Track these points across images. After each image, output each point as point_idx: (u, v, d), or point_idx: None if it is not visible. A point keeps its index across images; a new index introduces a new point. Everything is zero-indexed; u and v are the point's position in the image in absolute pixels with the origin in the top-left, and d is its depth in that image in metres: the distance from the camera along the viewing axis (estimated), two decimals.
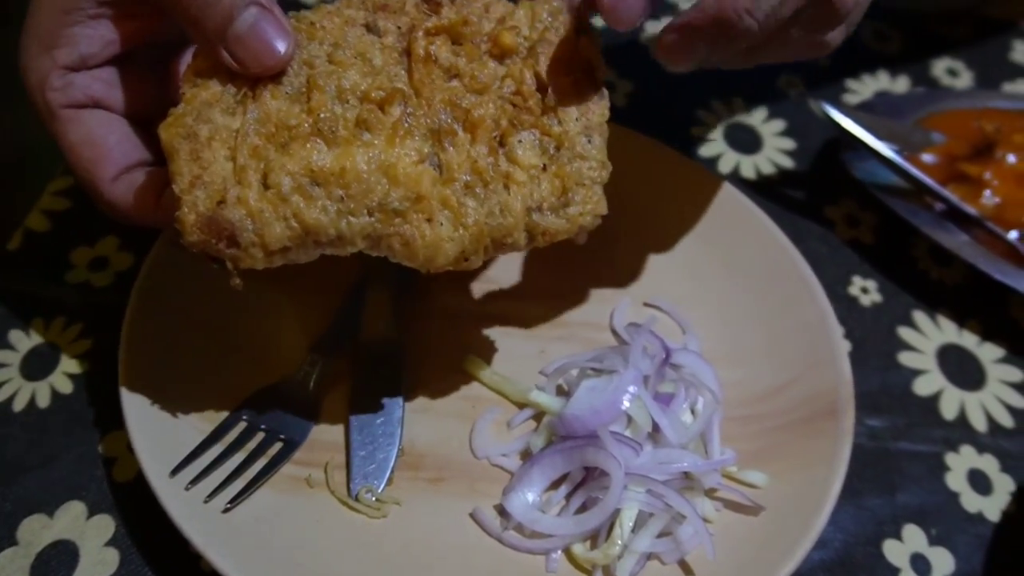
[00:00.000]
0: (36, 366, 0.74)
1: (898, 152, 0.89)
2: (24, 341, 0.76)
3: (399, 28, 0.60)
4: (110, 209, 0.63)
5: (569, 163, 0.59)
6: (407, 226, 0.56)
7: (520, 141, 0.59)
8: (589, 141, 0.60)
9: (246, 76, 0.56)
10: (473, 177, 0.58)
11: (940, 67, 1.16)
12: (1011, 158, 0.93)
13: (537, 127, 0.59)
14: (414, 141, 0.57)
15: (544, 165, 0.59)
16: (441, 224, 0.56)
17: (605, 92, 0.62)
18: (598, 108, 0.61)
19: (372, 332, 0.76)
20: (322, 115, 0.56)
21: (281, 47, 0.56)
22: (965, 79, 1.15)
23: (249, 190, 0.54)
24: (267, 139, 0.55)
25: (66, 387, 0.74)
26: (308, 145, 0.55)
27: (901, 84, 1.13)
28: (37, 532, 0.66)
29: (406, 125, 0.57)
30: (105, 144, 0.62)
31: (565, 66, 0.61)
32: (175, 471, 0.63)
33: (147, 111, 0.64)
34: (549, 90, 0.60)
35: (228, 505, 0.63)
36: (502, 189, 0.58)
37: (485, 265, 0.77)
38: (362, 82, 0.58)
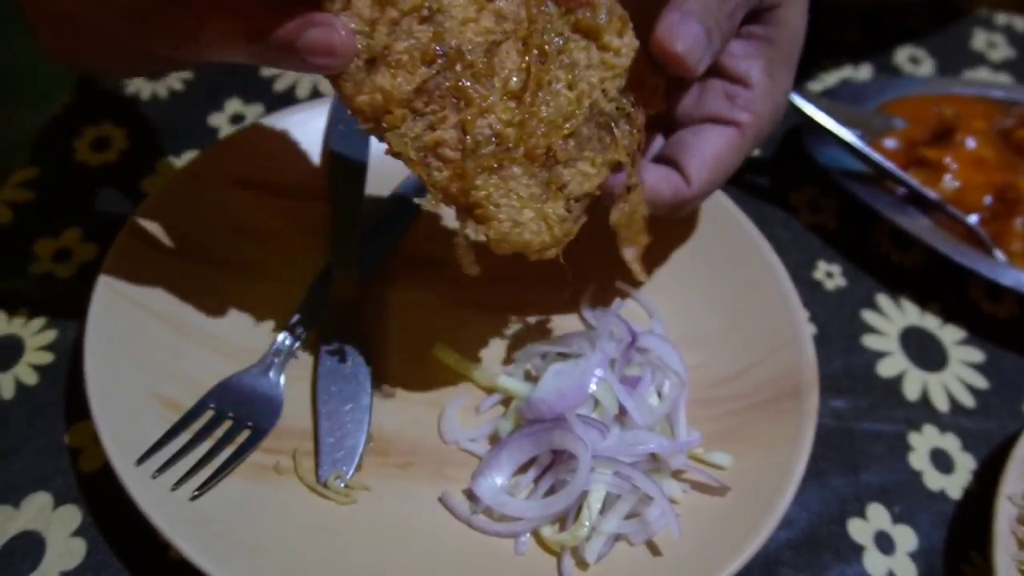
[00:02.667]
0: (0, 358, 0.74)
1: (860, 137, 0.91)
2: None
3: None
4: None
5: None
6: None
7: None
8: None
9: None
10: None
11: (902, 55, 1.18)
12: (970, 143, 0.94)
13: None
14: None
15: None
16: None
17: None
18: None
19: (338, 320, 0.76)
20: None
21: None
22: (927, 66, 1.17)
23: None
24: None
25: (30, 379, 0.73)
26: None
27: (864, 72, 1.15)
28: (2, 524, 0.65)
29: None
30: None
31: None
32: (141, 460, 0.63)
33: None
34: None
35: (195, 493, 0.63)
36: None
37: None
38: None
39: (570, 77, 0.60)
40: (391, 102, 0.56)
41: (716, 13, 0.62)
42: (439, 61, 0.56)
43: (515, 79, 0.59)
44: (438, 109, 0.57)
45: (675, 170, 0.68)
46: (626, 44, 0.63)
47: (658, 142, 0.73)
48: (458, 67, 0.57)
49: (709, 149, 0.68)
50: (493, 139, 0.58)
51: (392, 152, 0.58)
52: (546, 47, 0.59)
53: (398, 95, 0.56)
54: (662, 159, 0.71)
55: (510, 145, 0.58)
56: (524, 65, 0.59)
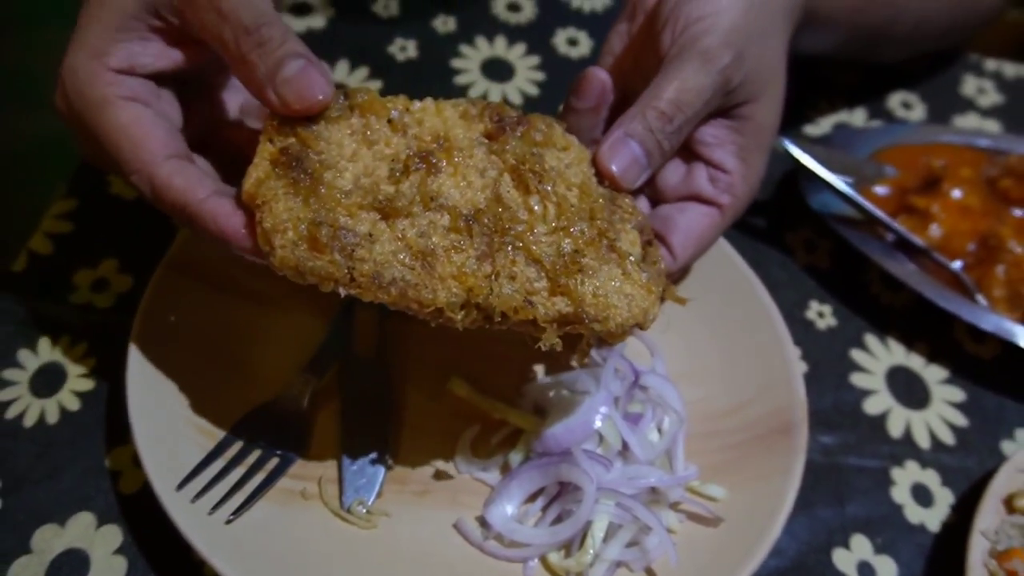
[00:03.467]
0: (44, 384, 0.79)
1: (851, 184, 0.96)
2: (32, 360, 0.80)
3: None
4: (156, 191, 0.62)
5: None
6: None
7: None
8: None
9: (292, 116, 0.62)
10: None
11: (895, 100, 1.23)
12: (956, 193, 0.99)
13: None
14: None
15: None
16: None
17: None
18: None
19: (360, 353, 0.81)
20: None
21: (320, 94, 0.61)
22: (918, 111, 1.22)
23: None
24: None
25: (73, 404, 0.78)
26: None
27: (858, 115, 1.20)
28: (49, 541, 0.70)
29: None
30: (156, 128, 0.63)
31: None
32: (181, 485, 0.68)
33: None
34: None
35: (231, 517, 0.68)
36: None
37: None
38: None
39: (564, 179, 0.66)
40: (464, 278, 0.60)
41: (659, 133, 0.69)
42: (475, 228, 0.61)
43: (536, 207, 0.64)
44: (506, 262, 0.61)
45: (661, 244, 0.74)
46: (570, 137, 0.70)
47: (642, 203, 0.79)
48: (487, 222, 0.62)
49: (694, 228, 0.74)
50: (564, 251, 0.62)
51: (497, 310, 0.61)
52: (535, 167, 0.65)
53: (469, 272, 0.60)
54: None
55: (576, 248, 0.63)
56: (532, 190, 0.64)
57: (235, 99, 0.76)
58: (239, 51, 0.61)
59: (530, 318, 0.60)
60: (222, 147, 0.73)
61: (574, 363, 0.80)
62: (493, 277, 0.60)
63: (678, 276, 0.76)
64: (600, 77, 0.74)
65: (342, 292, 0.59)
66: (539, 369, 0.84)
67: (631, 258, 0.64)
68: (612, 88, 0.75)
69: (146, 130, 0.62)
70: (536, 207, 0.64)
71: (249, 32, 0.60)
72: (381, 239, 0.59)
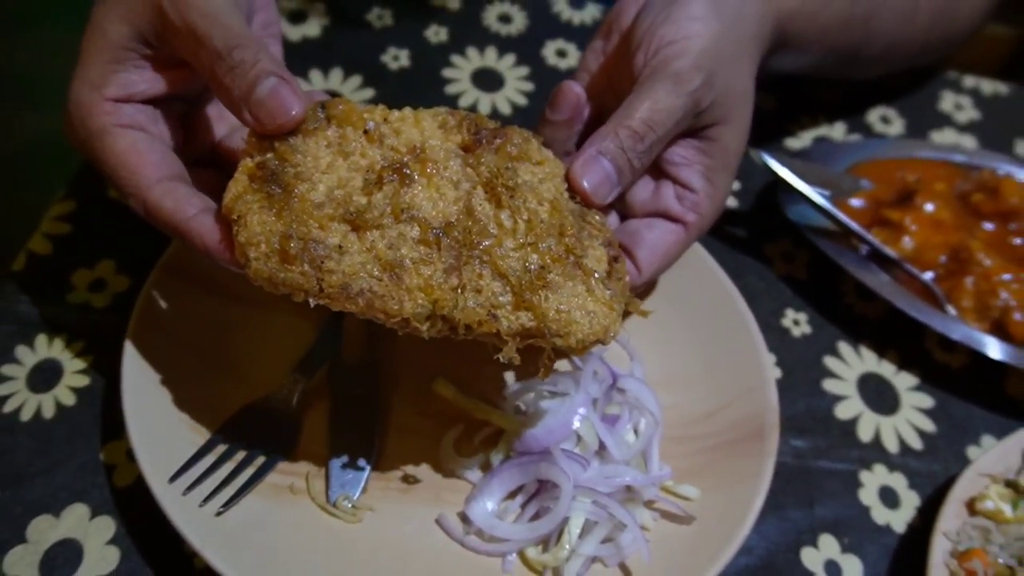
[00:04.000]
0: (41, 380, 0.82)
1: (828, 197, 0.99)
2: (30, 356, 0.83)
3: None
4: (149, 212, 0.67)
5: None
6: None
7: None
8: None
9: (268, 134, 0.65)
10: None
11: (874, 115, 1.26)
12: (929, 207, 1.02)
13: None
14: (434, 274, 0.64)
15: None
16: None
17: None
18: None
19: (349, 354, 0.84)
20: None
21: (293, 110, 0.64)
22: (897, 126, 1.26)
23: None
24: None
25: (69, 400, 0.81)
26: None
27: (838, 130, 1.23)
28: (44, 532, 0.73)
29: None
30: (150, 153, 0.68)
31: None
32: (173, 478, 0.71)
33: (178, 149, 0.72)
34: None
35: (221, 509, 0.71)
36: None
37: None
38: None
39: (536, 194, 0.68)
40: (430, 290, 0.63)
41: (630, 152, 0.72)
42: (445, 241, 0.64)
43: (507, 221, 0.67)
44: (473, 275, 0.64)
45: (628, 258, 0.76)
46: (545, 152, 0.72)
47: (612, 219, 0.82)
48: (457, 235, 0.65)
49: (660, 244, 0.77)
50: (531, 267, 0.65)
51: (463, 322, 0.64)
52: (508, 182, 0.68)
53: (435, 284, 0.63)
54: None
55: (543, 264, 0.65)
56: (504, 205, 0.67)
57: (228, 119, 0.79)
58: (215, 74, 0.64)
59: (493, 331, 0.63)
60: (225, 160, 0.76)
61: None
62: (459, 290, 0.63)
63: (642, 289, 0.79)
64: (575, 91, 0.77)
65: (311, 303, 0.62)
66: (521, 372, 0.86)
67: (596, 275, 0.67)
68: (586, 102, 0.79)
69: (140, 156, 0.67)
70: (507, 222, 0.66)
71: (222, 56, 0.64)
72: (351, 251, 0.62)
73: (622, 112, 0.73)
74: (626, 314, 0.69)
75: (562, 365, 0.87)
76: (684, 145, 0.78)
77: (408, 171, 0.66)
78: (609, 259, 0.69)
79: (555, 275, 0.65)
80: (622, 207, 0.82)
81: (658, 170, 0.79)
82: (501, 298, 0.64)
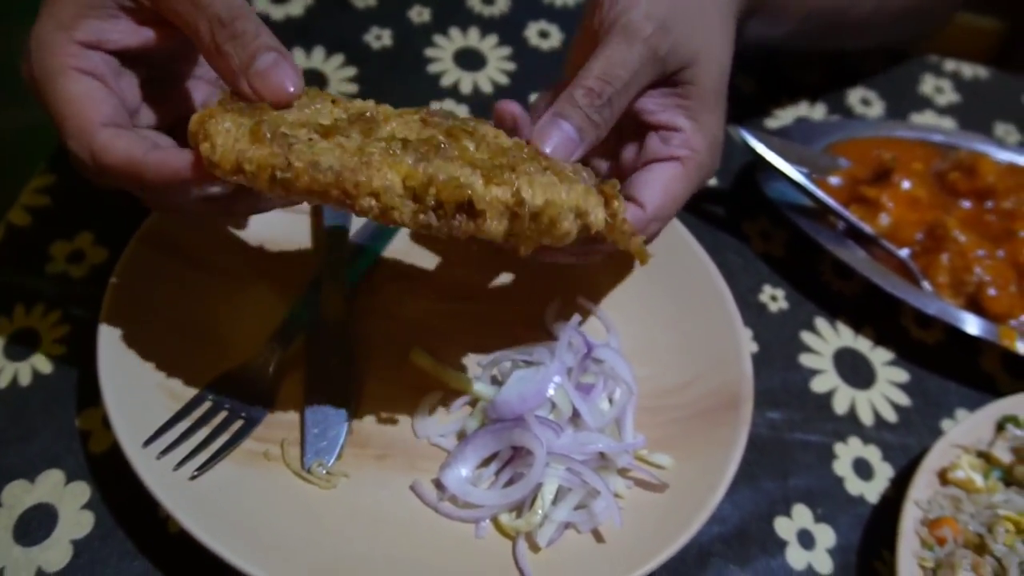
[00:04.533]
0: (18, 348, 0.82)
1: (806, 175, 0.99)
2: (7, 325, 0.83)
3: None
4: (96, 156, 0.63)
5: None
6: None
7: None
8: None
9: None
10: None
11: (855, 96, 1.27)
12: (906, 184, 1.03)
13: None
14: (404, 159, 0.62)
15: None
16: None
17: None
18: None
19: (326, 325, 0.84)
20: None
21: (291, 87, 0.64)
22: (877, 108, 1.26)
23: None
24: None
25: (46, 368, 0.81)
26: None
27: (819, 111, 1.24)
28: (19, 496, 0.73)
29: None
30: (104, 104, 0.65)
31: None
32: (147, 443, 0.71)
33: (132, 114, 0.70)
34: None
35: (195, 473, 0.71)
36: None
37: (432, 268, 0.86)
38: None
39: (499, 134, 0.69)
40: (399, 167, 0.61)
41: (588, 109, 0.71)
42: (410, 147, 0.63)
43: (470, 145, 0.66)
44: (441, 164, 0.62)
45: (630, 204, 0.76)
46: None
47: None
48: (424, 149, 0.63)
49: (657, 179, 0.76)
50: (500, 163, 0.64)
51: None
52: (469, 127, 0.68)
53: (406, 166, 0.62)
54: None
55: (513, 167, 0.63)
56: (465, 137, 0.67)
57: (202, 90, 0.78)
58: (214, 42, 0.63)
59: (466, 198, 0.60)
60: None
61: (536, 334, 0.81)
62: (429, 171, 0.61)
63: (651, 229, 0.76)
64: (509, 109, 0.74)
65: (278, 176, 0.60)
66: (497, 344, 0.87)
67: (568, 169, 0.67)
68: (527, 117, 0.76)
69: (93, 102, 0.64)
70: (470, 145, 0.66)
71: (224, 24, 0.63)
72: (319, 144, 0.61)
73: (580, 74, 0.73)
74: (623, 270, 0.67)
75: (537, 337, 0.88)
76: (657, 94, 0.78)
77: (373, 118, 0.66)
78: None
79: (525, 168, 0.64)
80: (618, 170, 0.82)
81: (640, 127, 0.79)
82: (472, 178, 0.61)
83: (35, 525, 0.72)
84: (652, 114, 0.78)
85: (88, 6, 0.65)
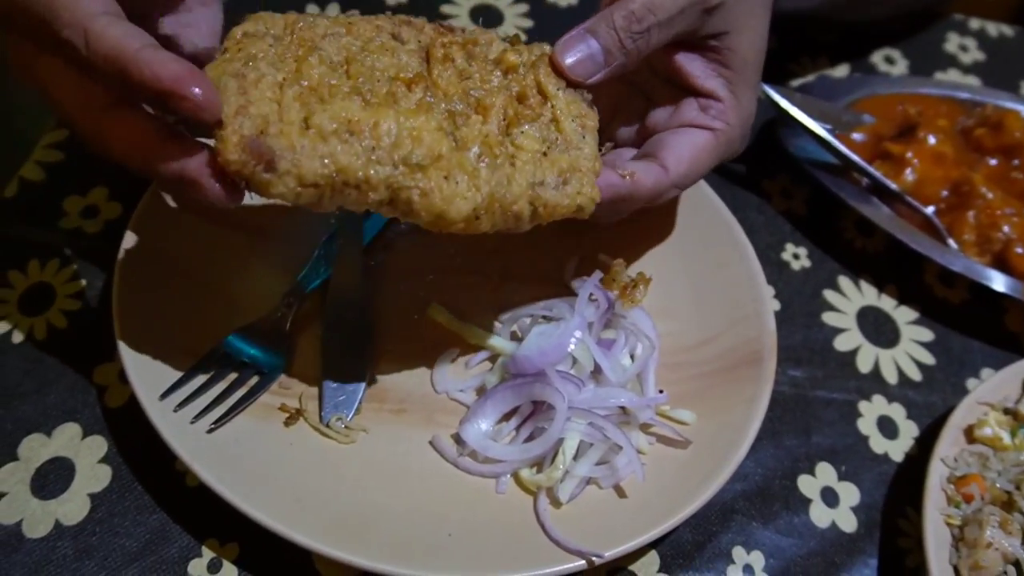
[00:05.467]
0: (33, 303, 0.81)
1: (830, 131, 0.98)
2: (21, 280, 0.82)
3: (419, 41, 0.68)
4: (90, 44, 0.56)
5: (566, 152, 0.67)
6: (427, 180, 0.61)
7: (523, 131, 0.66)
8: (583, 138, 0.68)
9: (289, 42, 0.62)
10: (484, 149, 0.64)
11: (878, 55, 1.25)
12: (931, 139, 1.01)
13: (538, 121, 0.67)
14: (434, 116, 0.63)
15: (544, 151, 0.66)
16: (457, 182, 0.62)
17: (594, 106, 0.71)
18: (590, 114, 0.70)
19: (343, 279, 0.83)
20: (360, 80, 0.63)
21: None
22: (900, 67, 1.24)
23: (291, 127, 0.59)
24: (309, 91, 0.61)
25: (61, 323, 0.80)
26: (346, 101, 0.61)
27: (841, 70, 1.21)
28: (36, 450, 0.73)
29: (428, 101, 0.64)
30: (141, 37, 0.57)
31: (557, 82, 0.70)
32: (164, 396, 0.70)
33: None
34: (548, 94, 0.68)
35: (212, 426, 0.70)
36: (508, 165, 0.65)
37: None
38: (391, 67, 0.65)
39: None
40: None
41: (623, 31, 0.69)
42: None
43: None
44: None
45: (654, 163, 0.74)
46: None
47: (626, 151, 0.80)
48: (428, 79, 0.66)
49: (686, 145, 0.75)
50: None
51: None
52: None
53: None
54: (641, 157, 0.77)
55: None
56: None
57: (209, 30, 0.75)
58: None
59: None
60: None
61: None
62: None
63: (668, 194, 0.76)
64: None
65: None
66: (517, 299, 0.85)
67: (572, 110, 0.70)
68: None
69: (132, 34, 0.57)
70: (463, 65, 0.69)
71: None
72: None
73: None
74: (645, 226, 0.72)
75: (557, 293, 0.86)
76: (702, 58, 0.76)
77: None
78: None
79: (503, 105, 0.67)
80: (644, 132, 0.80)
81: (678, 89, 0.77)
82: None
83: (52, 478, 0.72)
84: (697, 78, 0.76)
85: None
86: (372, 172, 0.60)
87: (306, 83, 0.61)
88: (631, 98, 0.82)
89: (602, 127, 0.71)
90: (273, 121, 0.59)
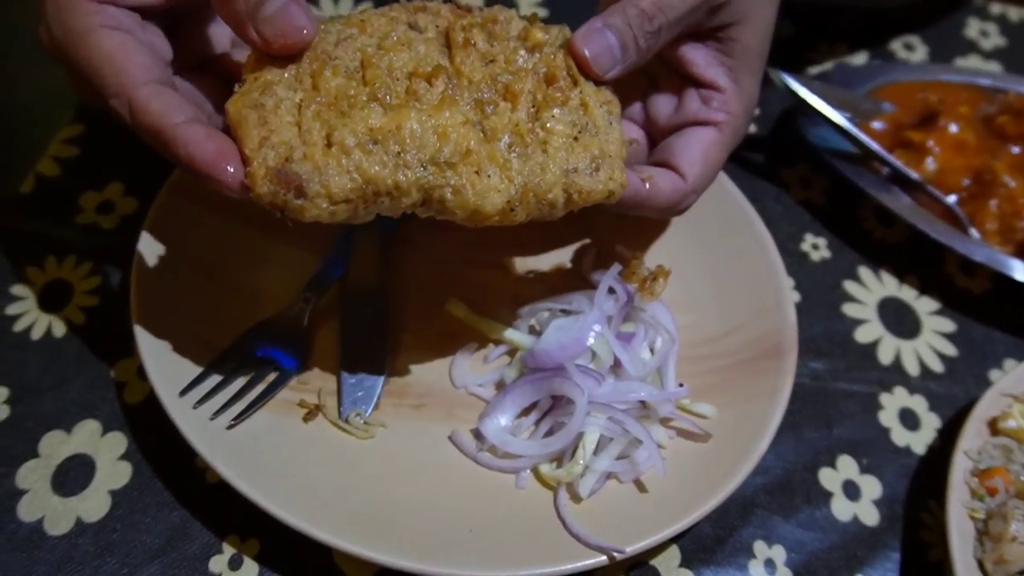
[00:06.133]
0: (51, 299, 0.81)
1: (850, 119, 0.96)
2: (40, 276, 0.82)
3: (437, 27, 0.67)
4: (135, 114, 0.60)
5: (595, 136, 0.66)
6: (458, 177, 0.61)
7: (553, 115, 0.65)
8: (610, 124, 0.68)
9: (275, 54, 0.62)
10: (514, 138, 0.64)
11: (897, 42, 1.23)
12: (953, 127, 1.00)
13: (567, 104, 0.66)
14: (460, 108, 0.62)
15: (576, 136, 0.66)
16: (489, 176, 0.62)
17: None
18: (615, 100, 0.69)
19: (360, 273, 0.82)
20: (377, 85, 0.62)
21: (304, 30, 0.61)
22: (920, 53, 1.23)
23: (315, 148, 0.59)
24: (328, 107, 0.60)
25: (79, 319, 0.80)
26: (365, 110, 0.60)
27: (860, 58, 1.20)
28: (56, 447, 0.73)
29: (451, 94, 0.63)
30: (139, 55, 0.62)
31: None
32: (183, 392, 0.70)
33: (166, 62, 0.66)
34: (578, 79, 0.68)
35: (232, 423, 0.70)
36: (540, 152, 0.64)
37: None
38: (410, 62, 0.64)
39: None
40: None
41: (637, 29, 0.69)
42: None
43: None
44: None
45: (669, 170, 0.74)
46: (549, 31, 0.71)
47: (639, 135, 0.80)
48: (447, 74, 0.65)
49: (696, 146, 0.74)
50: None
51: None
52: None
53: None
54: (655, 165, 0.76)
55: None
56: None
57: (226, 32, 0.75)
58: None
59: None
60: (217, 74, 0.73)
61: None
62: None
63: (689, 201, 0.75)
64: None
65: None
66: (536, 294, 0.85)
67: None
68: None
69: (128, 55, 0.61)
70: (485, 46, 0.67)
71: None
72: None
73: None
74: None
75: (576, 286, 0.86)
76: (704, 47, 0.76)
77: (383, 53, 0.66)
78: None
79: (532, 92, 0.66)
80: (649, 129, 0.80)
81: (680, 79, 0.77)
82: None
83: (73, 475, 0.72)
84: (698, 67, 0.76)
85: None
86: (401, 177, 0.59)
87: (324, 99, 0.61)
88: (636, 77, 0.81)
89: None
90: (296, 146, 0.59)
